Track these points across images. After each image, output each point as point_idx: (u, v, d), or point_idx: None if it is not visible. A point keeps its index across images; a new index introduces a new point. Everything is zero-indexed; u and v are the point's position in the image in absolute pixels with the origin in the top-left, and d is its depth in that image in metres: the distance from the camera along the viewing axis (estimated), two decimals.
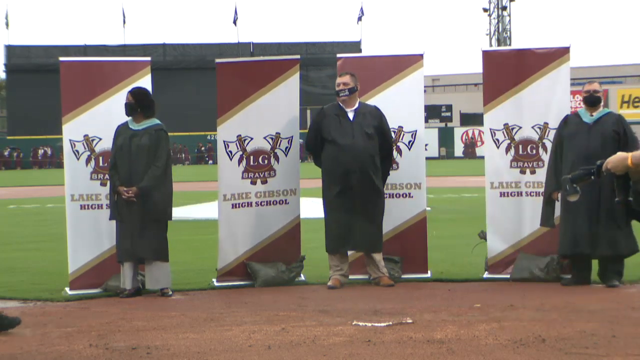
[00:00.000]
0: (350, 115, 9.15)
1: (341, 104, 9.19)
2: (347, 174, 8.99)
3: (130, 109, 8.81)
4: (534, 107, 9.42)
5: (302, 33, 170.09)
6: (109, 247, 9.09)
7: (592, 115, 8.95)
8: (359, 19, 68.91)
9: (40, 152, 63.16)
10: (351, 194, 9.00)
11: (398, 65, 9.70)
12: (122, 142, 8.78)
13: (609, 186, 8.58)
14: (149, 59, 9.87)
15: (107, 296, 8.89)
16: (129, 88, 9.05)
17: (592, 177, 4.68)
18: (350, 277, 9.25)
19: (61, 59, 9.44)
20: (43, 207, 22.49)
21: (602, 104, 9.06)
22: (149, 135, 8.77)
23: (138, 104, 8.80)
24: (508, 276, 9.32)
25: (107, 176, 9.03)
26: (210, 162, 59.84)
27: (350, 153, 9.00)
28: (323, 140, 9.18)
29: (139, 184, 8.64)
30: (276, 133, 9.45)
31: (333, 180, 9.08)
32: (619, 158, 4.51)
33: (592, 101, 8.97)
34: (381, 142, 9.16)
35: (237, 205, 9.40)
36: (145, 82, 9.29)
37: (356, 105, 9.21)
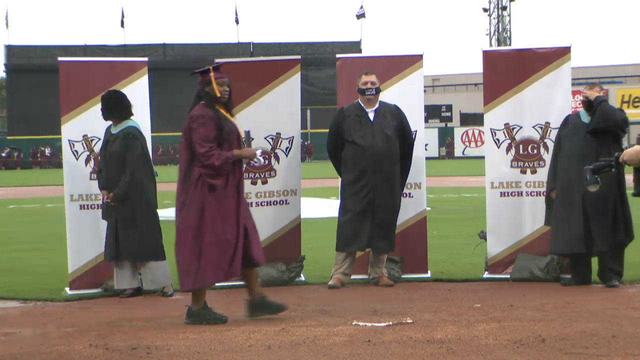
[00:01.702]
0: (371, 116, 9.12)
1: (362, 104, 9.16)
2: (366, 175, 8.98)
3: (102, 114, 8.82)
4: (535, 107, 9.42)
5: (302, 33, 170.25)
6: None
7: (590, 116, 8.94)
8: (358, 16, 68.74)
9: (40, 150, 63.11)
10: (369, 195, 8.99)
11: (398, 65, 9.70)
12: (102, 146, 8.88)
13: (603, 184, 8.61)
14: (146, 59, 9.87)
15: (107, 296, 8.90)
16: (128, 88, 9.07)
17: (612, 169, 4.76)
18: (351, 277, 9.24)
19: (60, 59, 9.45)
20: (43, 207, 22.49)
21: None
22: (120, 140, 8.74)
23: (105, 108, 8.79)
24: (508, 276, 9.32)
25: None
26: None
27: (370, 154, 8.98)
28: (344, 142, 9.16)
29: (113, 189, 8.67)
30: (277, 133, 9.45)
31: (352, 181, 9.06)
32: (635, 151, 4.58)
33: (586, 106, 8.94)
34: (401, 141, 9.15)
35: None
36: (142, 82, 9.31)
37: (377, 105, 9.18)
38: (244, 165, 7.77)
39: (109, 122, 8.90)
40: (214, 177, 7.25)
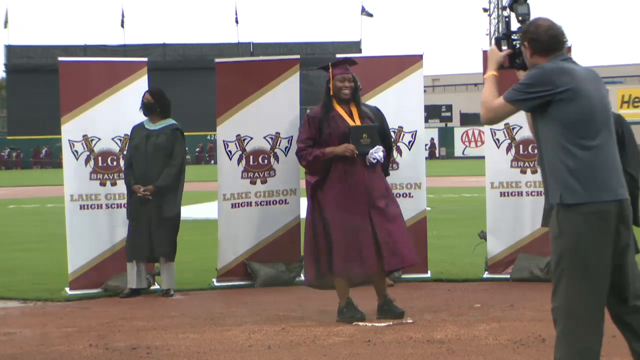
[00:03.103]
0: None
1: None
2: None
3: (149, 108, 8.83)
4: None
5: (302, 33, 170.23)
6: (109, 247, 9.10)
7: None
8: (363, 11, 68.58)
9: (43, 152, 63.09)
10: None
11: (398, 65, 9.69)
12: (138, 141, 8.80)
13: None
14: (146, 59, 9.87)
15: (107, 296, 8.89)
16: (128, 88, 9.10)
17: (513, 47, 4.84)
18: None
19: (60, 59, 9.45)
20: (43, 207, 22.49)
21: None
22: (166, 135, 8.81)
23: (157, 103, 8.85)
24: (508, 276, 9.32)
25: (106, 176, 9.10)
26: (213, 162, 59.86)
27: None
28: None
29: (154, 182, 8.65)
30: (276, 133, 9.45)
31: None
32: (492, 57, 4.77)
33: None
34: (381, 143, 9.14)
35: (237, 205, 9.40)
36: (142, 82, 9.31)
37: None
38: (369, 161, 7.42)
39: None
40: (310, 174, 7.43)
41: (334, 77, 7.43)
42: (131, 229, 8.79)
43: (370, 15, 68.66)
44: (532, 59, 4.64)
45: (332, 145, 7.31)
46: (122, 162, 9.07)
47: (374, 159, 7.37)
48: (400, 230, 7.35)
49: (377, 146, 7.42)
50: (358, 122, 7.44)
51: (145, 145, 8.77)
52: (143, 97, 8.89)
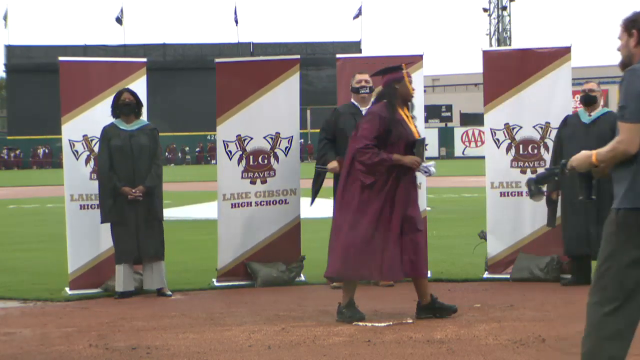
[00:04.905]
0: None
1: (356, 103, 9.13)
2: None
3: (130, 108, 8.80)
4: (535, 107, 9.41)
5: (302, 33, 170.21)
6: (108, 247, 9.08)
7: (590, 116, 8.94)
8: (356, 16, 68.82)
9: (40, 151, 63.09)
10: None
11: None
12: (121, 142, 8.73)
13: (608, 189, 8.62)
14: (144, 59, 9.87)
15: (107, 296, 8.89)
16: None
17: (556, 178, 4.78)
18: None
19: (60, 58, 9.44)
20: (43, 207, 22.49)
21: (600, 103, 9.03)
22: (147, 135, 8.80)
23: (138, 103, 8.84)
24: (508, 276, 9.32)
25: None
26: (213, 162, 59.87)
27: None
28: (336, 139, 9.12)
29: (142, 183, 8.65)
30: (276, 133, 9.46)
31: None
32: (584, 156, 4.59)
33: (586, 100, 8.95)
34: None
35: (237, 205, 9.40)
36: (141, 82, 9.31)
37: (370, 104, 9.17)
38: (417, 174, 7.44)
39: (109, 122, 8.92)
40: (366, 174, 7.19)
41: (408, 78, 7.32)
42: (118, 232, 8.72)
43: (358, 15, 68.89)
44: (635, 48, 4.55)
45: (396, 150, 7.21)
46: None
47: (426, 171, 7.34)
48: (422, 241, 7.37)
49: (432, 163, 7.40)
50: (413, 129, 7.38)
51: (130, 146, 8.74)
52: (119, 97, 8.79)
